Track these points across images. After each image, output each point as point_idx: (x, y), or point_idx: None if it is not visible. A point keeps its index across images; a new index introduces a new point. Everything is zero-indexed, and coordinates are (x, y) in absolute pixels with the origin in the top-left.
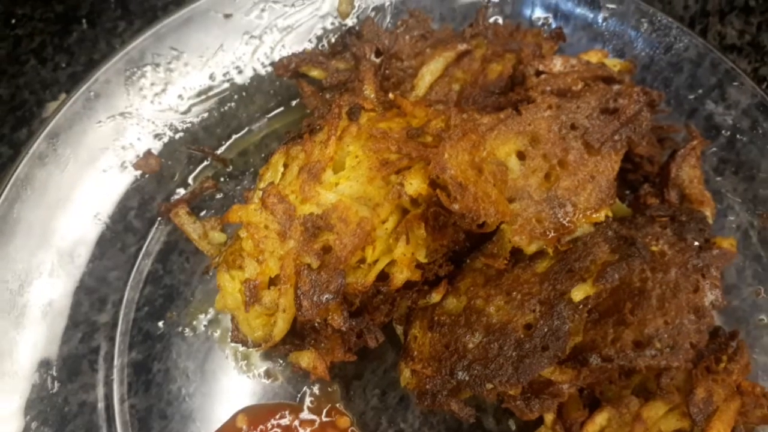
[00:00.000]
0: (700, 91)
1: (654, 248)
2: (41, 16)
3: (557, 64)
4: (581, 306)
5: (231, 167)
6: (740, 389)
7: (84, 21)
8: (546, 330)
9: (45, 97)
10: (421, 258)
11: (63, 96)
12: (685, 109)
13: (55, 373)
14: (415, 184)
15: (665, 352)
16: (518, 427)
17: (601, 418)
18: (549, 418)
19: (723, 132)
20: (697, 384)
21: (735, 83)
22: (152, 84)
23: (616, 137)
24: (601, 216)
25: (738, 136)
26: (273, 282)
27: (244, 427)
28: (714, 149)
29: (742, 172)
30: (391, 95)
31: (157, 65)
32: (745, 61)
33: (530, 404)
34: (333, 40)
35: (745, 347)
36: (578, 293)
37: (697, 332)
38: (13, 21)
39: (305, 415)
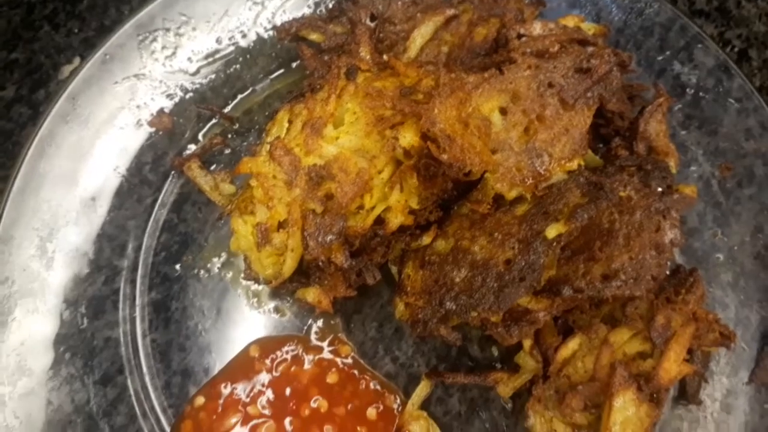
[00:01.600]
0: (669, 53)
1: (622, 194)
2: None
3: (537, 27)
4: (554, 243)
5: (237, 125)
6: (695, 317)
7: None
8: (523, 264)
9: (60, 61)
10: (414, 204)
11: (77, 59)
12: (655, 69)
13: (82, 311)
14: (408, 137)
15: (629, 283)
16: (500, 353)
17: (573, 343)
18: (527, 343)
19: (688, 90)
20: (657, 312)
21: (700, 46)
22: (163, 47)
23: (589, 94)
24: (574, 165)
25: (702, 94)
26: (281, 225)
27: (256, 355)
28: (680, 106)
29: (706, 127)
30: (385, 57)
31: (168, 30)
32: (712, 25)
33: (510, 330)
34: (330, 6)
35: (701, 280)
36: (552, 231)
37: (657, 266)
38: None
39: (311, 344)
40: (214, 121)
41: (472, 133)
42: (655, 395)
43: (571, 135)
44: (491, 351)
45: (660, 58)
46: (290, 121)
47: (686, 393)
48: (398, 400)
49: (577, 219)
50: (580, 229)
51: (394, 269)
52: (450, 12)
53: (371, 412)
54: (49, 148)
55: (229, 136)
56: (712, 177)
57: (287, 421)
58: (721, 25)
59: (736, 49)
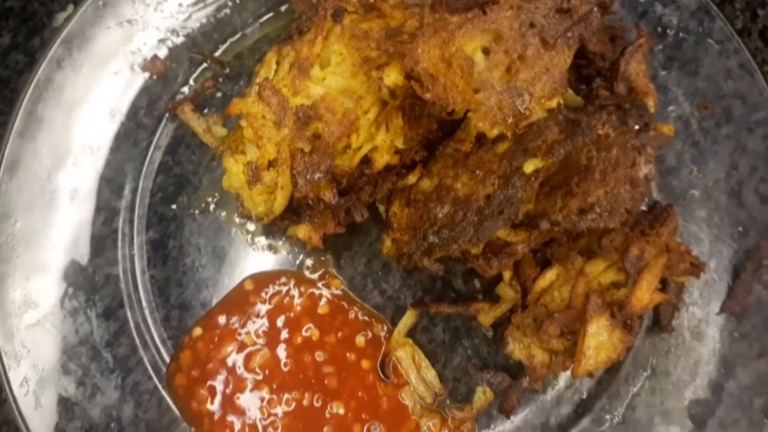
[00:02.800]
0: None
1: (600, 131)
2: None
3: None
4: (532, 177)
5: (228, 69)
6: (668, 248)
7: None
8: (502, 198)
9: (54, 9)
10: (399, 144)
11: (71, 7)
12: (637, 11)
13: (84, 249)
14: (392, 76)
15: (604, 216)
16: (482, 286)
17: (550, 274)
18: (507, 275)
19: (669, 32)
20: (631, 244)
21: None
22: None
23: (569, 34)
24: (553, 103)
25: (683, 35)
26: (271, 164)
27: (251, 289)
28: (661, 47)
29: (686, 68)
30: None
31: None
32: None
33: (490, 262)
34: None
35: (675, 214)
36: (529, 166)
37: (631, 200)
38: None
39: (303, 278)
40: (205, 65)
41: (455, 72)
42: (628, 322)
43: (552, 74)
44: (473, 284)
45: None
46: (278, 63)
47: (660, 321)
48: (385, 329)
49: (554, 154)
50: (557, 165)
51: (381, 208)
52: None
53: (360, 340)
54: (45, 93)
55: (221, 80)
56: (691, 116)
57: (281, 348)
58: None
59: None
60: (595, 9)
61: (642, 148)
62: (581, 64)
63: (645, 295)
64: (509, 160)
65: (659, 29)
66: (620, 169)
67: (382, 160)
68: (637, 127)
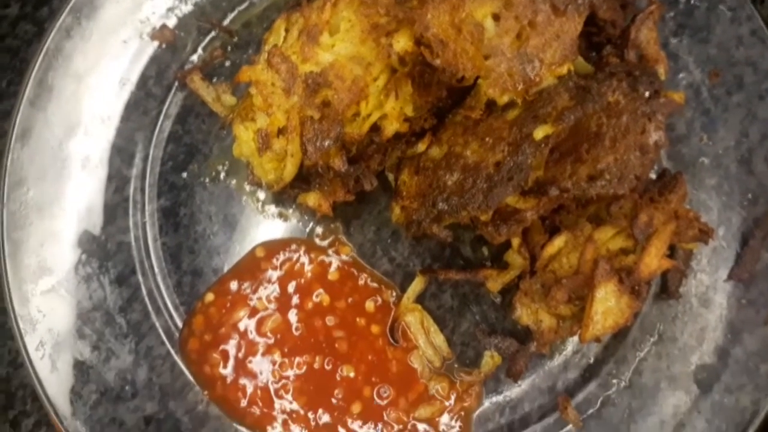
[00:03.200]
0: None
1: (610, 98)
2: None
3: None
4: (542, 144)
5: (236, 38)
6: (677, 215)
7: None
8: (512, 164)
9: None
10: (409, 112)
11: None
12: None
13: (96, 217)
14: (402, 42)
15: (613, 182)
16: (490, 254)
17: (559, 241)
18: (516, 242)
19: None
20: (640, 211)
21: None
22: None
23: (579, 1)
24: (563, 70)
25: (694, 2)
26: (281, 132)
27: (262, 255)
28: (672, 15)
29: (697, 35)
30: None
31: None
32: None
33: (499, 229)
34: None
35: (684, 181)
36: (539, 132)
37: (641, 166)
38: None
39: (313, 245)
40: (214, 34)
41: (465, 38)
42: (636, 288)
43: (562, 41)
44: (482, 251)
45: None
46: (287, 30)
47: (667, 288)
48: (394, 295)
49: (564, 121)
50: (567, 132)
51: (390, 176)
52: None
53: (369, 305)
54: (55, 62)
55: (229, 48)
56: (703, 84)
57: (292, 313)
58: None
59: None
60: None
61: (652, 115)
62: (591, 32)
63: (653, 261)
64: (519, 127)
65: None
66: (630, 135)
67: (391, 127)
68: (647, 94)
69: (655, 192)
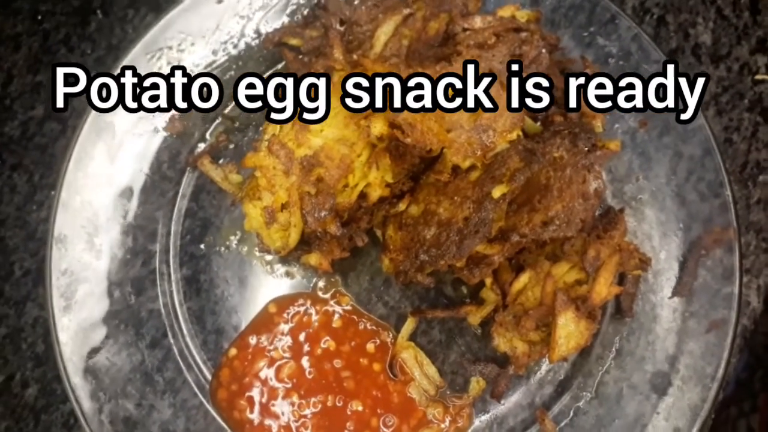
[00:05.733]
0: (594, 28)
1: (555, 155)
2: (62, 11)
3: (478, 21)
4: (500, 200)
5: (237, 123)
6: (620, 248)
7: (99, 12)
8: (477, 219)
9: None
10: (389, 179)
11: None
12: (583, 43)
13: (128, 290)
14: (378, 126)
15: (563, 226)
16: (469, 291)
17: (524, 278)
18: (488, 281)
19: (611, 60)
20: (588, 247)
21: (619, 20)
22: (168, 63)
23: (523, 75)
24: (513, 135)
25: (622, 62)
26: (284, 207)
27: (274, 311)
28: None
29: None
30: (354, 56)
31: (170, 47)
32: None
33: (473, 272)
34: (305, 13)
35: (623, 219)
36: (497, 191)
37: (584, 210)
38: (39, 17)
39: (318, 298)
40: (217, 121)
41: (430, 118)
42: (591, 312)
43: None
44: (461, 290)
45: (586, 33)
46: None
47: (621, 308)
48: (391, 335)
49: (516, 180)
50: (521, 187)
51: (378, 232)
52: (406, 11)
53: (370, 347)
54: (83, 159)
55: (232, 133)
56: (636, 131)
57: (304, 359)
58: None
59: (654, 16)
60: (544, 50)
61: (590, 166)
62: None
63: (603, 289)
64: (480, 187)
65: (602, 57)
66: (573, 185)
67: (375, 193)
68: (586, 148)
69: (600, 229)
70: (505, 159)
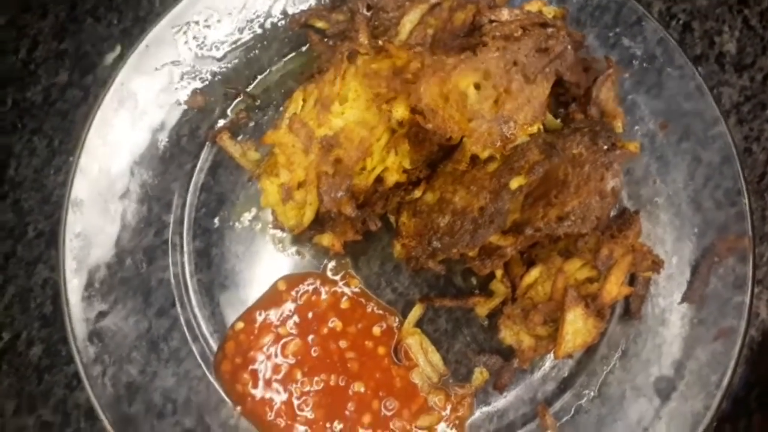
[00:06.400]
0: (619, 28)
1: (574, 151)
2: None
3: (505, 14)
4: (517, 192)
5: (258, 101)
6: (633, 248)
7: None
8: (493, 210)
9: (103, 49)
10: (406, 165)
11: (118, 48)
12: (608, 43)
13: (140, 258)
14: (400, 111)
15: (578, 223)
16: (478, 283)
17: (535, 272)
18: (499, 273)
19: (635, 62)
20: (602, 245)
21: (645, 23)
22: (194, 38)
23: (547, 70)
24: (534, 129)
25: (646, 65)
26: (301, 185)
27: (284, 288)
28: (628, 75)
29: (650, 92)
30: (380, 41)
31: (197, 22)
32: (661, 1)
33: (485, 263)
34: None
35: (639, 219)
36: (515, 183)
37: (600, 208)
38: None
39: (327, 278)
40: (239, 98)
41: (452, 105)
42: (600, 311)
43: (532, 104)
44: (471, 281)
45: (612, 33)
46: (304, 100)
47: (630, 310)
48: (397, 321)
49: (534, 173)
50: (538, 181)
51: (392, 218)
52: (434, 0)
53: (376, 330)
54: (104, 126)
55: (253, 111)
56: (656, 134)
57: (310, 338)
58: (668, 1)
59: (681, 22)
60: (569, 47)
61: (609, 165)
62: (559, 92)
63: (614, 288)
64: (498, 178)
65: (627, 58)
66: (591, 183)
67: (392, 178)
68: (606, 146)
69: (614, 229)
70: (524, 151)
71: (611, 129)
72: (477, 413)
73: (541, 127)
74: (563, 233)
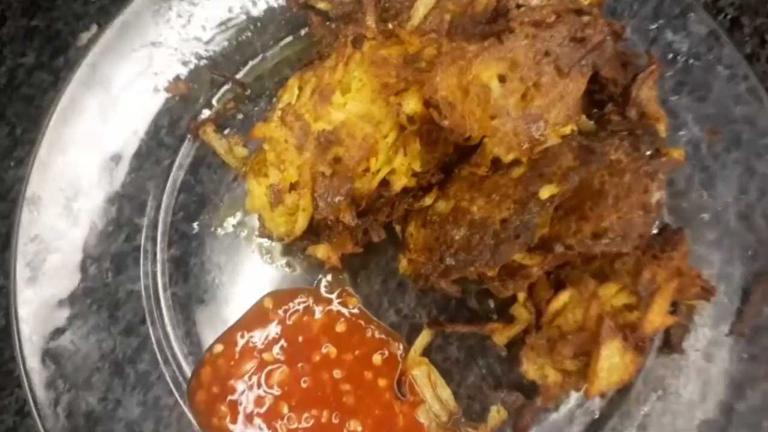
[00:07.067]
0: (662, 21)
1: (612, 157)
2: None
3: None
4: (547, 203)
5: (249, 90)
6: (679, 272)
7: None
8: (518, 223)
9: (78, 28)
10: (417, 167)
11: (94, 27)
12: (649, 37)
13: (106, 266)
14: (411, 104)
15: (617, 240)
16: (496, 306)
17: (564, 296)
18: (521, 296)
19: (680, 58)
20: (643, 268)
21: (692, 15)
22: (178, 16)
23: (583, 62)
24: (567, 130)
25: (692, 61)
26: (293, 187)
27: (270, 306)
28: (671, 73)
29: (696, 93)
30: (390, 25)
31: None
32: None
33: (505, 284)
34: None
35: (686, 239)
36: (545, 192)
37: (644, 225)
38: None
39: (321, 296)
40: (226, 87)
41: (472, 100)
42: (639, 344)
43: (566, 101)
44: (488, 303)
45: (653, 26)
46: (300, 88)
47: (670, 342)
48: (401, 348)
49: (568, 181)
50: (572, 191)
51: (398, 228)
52: None
53: (377, 358)
54: (71, 114)
55: (241, 102)
56: (701, 141)
57: (299, 366)
58: None
59: (728, 17)
60: (608, 37)
61: (654, 174)
62: (594, 90)
63: (657, 318)
64: (525, 186)
65: (670, 55)
66: (633, 194)
67: (399, 182)
68: (648, 152)
69: (657, 249)
70: (557, 155)
71: (655, 133)
72: None
73: (575, 128)
74: (599, 252)
